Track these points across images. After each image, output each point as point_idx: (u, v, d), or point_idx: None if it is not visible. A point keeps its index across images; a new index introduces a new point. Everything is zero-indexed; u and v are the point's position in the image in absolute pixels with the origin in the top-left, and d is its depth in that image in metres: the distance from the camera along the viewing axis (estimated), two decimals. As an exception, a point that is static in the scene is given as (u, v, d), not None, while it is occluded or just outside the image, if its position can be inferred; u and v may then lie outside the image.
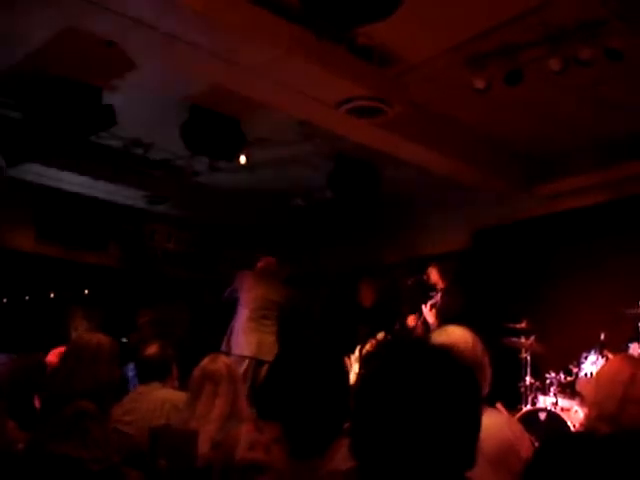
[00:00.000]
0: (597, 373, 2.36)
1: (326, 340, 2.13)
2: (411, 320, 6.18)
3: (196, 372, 3.07)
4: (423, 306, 6.04)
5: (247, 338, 6.21)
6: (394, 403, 1.20)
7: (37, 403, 3.80)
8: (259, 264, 6.65)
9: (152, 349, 3.80)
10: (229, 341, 6.33)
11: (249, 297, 6.40)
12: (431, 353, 1.30)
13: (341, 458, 1.91)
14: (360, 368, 6.57)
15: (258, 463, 1.84)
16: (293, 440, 1.85)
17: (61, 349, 4.55)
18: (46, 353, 4.55)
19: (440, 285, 6.13)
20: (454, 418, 1.21)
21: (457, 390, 1.23)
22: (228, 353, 5.93)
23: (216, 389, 2.96)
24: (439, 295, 6.03)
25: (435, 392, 1.21)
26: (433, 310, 5.95)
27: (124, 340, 6.53)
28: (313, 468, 1.86)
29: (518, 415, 4.94)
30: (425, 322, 6.05)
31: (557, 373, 5.22)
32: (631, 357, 2.32)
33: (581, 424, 4.12)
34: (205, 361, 3.10)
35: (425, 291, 6.24)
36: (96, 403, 2.46)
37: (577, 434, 2.60)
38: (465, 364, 1.30)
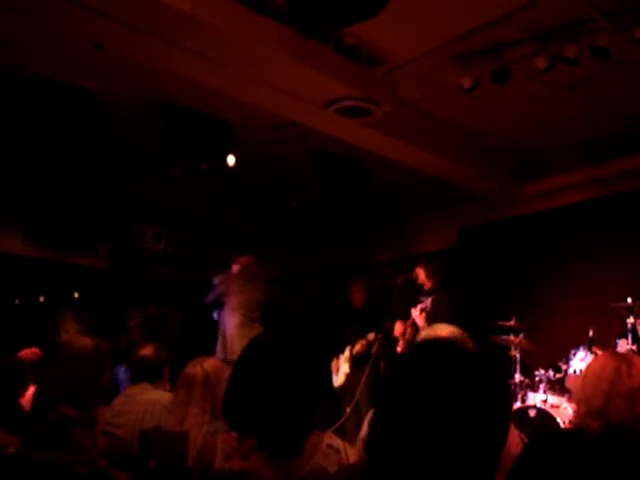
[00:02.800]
0: (584, 370, 2.38)
1: (286, 335, 2.09)
2: (398, 328, 6.16)
3: (179, 375, 3.05)
4: (412, 310, 6.04)
5: (243, 343, 6.10)
6: (421, 407, 1.11)
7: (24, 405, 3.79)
8: (237, 265, 6.56)
9: (147, 350, 3.79)
10: (224, 347, 6.24)
11: (238, 301, 6.33)
12: (463, 356, 1.19)
13: (321, 455, 1.93)
14: (350, 368, 6.57)
15: (238, 471, 1.84)
16: (270, 448, 1.86)
17: (34, 349, 4.52)
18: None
19: (428, 285, 6.14)
20: (484, 427, 1.13)
21: (489, 398, 1.14)
22: (226, 359, 5.85)
23: (189, 396, 2.91)
24: (429, 300, 6.02)
25: (466, 399, 1.11)
26: (423, 314, 5.94)
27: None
28: (294, 468, 1.87)
29: (508, 412, 4.95)
30: (413, 326, 6.05)
31: (546, 370, 5.24)
32: (616, 352, 2.34)
33: (570, 421, 4.14)
34: (188, 365, 3.07)
35: (414, 290, 6.24)
36: (80, 407, 2.45)
37: (564, 431, 2.62)
38: (498, 373, 1.20)
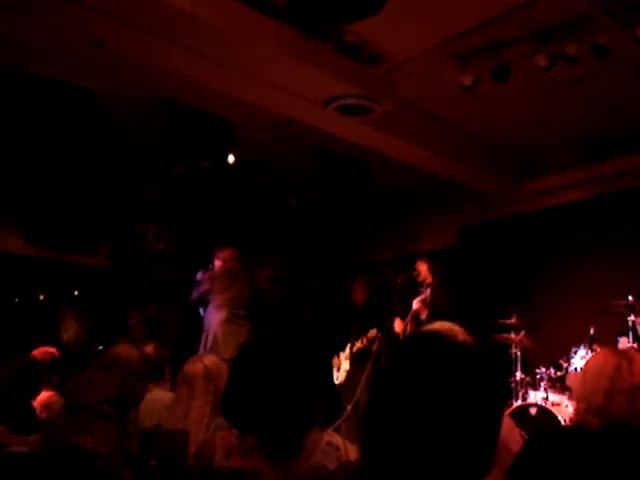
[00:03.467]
0: (584, 367, 2.37)
1: (286, 334, 2.10)
2: (398, 325, 6.17)
3: (178, 374, 3.07)
4: (414, 302, 6.05)
5: (230, 340, 5.98)
6: (414, 400, 1.10)
7: (34, 404, 3.80)
8: (219, 260, 6.46)
9: (148, 349, 3.81)
10: (207, 344, 6.15)
11: (223, 299, 6.26)
12: (455, 349, 1.18)
13: (321, 453, 1.93)
14: (350, 366, 6.57)
15: (238, 470, 1.84)
16: (269, 446, 1.86)
17: (48, 348, 4.52)
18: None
19: (429, 281, 6.16)
20: (477, 419, 1.12)
21: (482, 389, 1.13)
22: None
23: (191, 391, 2.92)
24: (428, 290, 6.05)
25: (458, 391, 1.10)
26: (423, 305, 5.96)
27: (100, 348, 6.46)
28: (294, 467, 1.87)
29: (509, 410, 4.96)
30: (414, 320, 6.05)
31: (547, 368, 5.24)
32: (616, 349, 2.32)
33: (571, 418, 4.15)
34: (186, 363, 3.09)
35: (415, 288, 6.25)
36: (116, 408, 2.49)
37: (564, 428, 2.62)
38: (492, 364, 1.18)
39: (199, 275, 6.55)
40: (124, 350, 2.87)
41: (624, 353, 2.18)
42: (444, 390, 1.10)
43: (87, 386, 2.64)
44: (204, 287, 6.39)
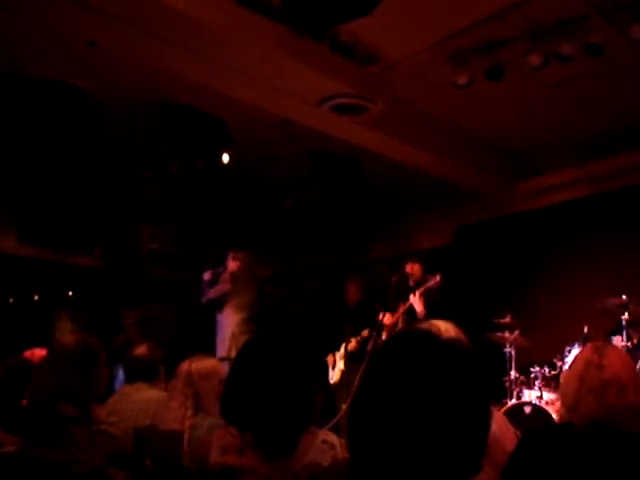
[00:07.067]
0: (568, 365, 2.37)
1: (285, 333, 2.10)
2: (387, 319, 6.13)
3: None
4: (412, 295, 6.03)
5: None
6: (399, 399, 1.09)
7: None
8: (236, 262, 6.39)
9: (141, 349, 3.79)
10: (224, 345, 6.07)
11: (244, 301, 6.22)
12: (440, 346, 1.16)
13: (316, 451, 1.93)
14: (345, 365, 6.57)
15: (232, 467, 1.84)
16: (265, 444, 1.86)
17: (39, 350, 4.49)
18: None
19: (421, 279, 6.16)
20: (464, 418, 1.10)
21: (467, 387, 1.12)
22: (229, 357, 5.61)
23: (171, 391, 2.90)
24: (430, 281, 6.04)
25: (443, 388, 1.09)
26: (422, 298, 5.95)
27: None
28: (289, 464, 1.87)
29: (503, 409, 4.97)
30: (407, 314, 6.03)
31: (541, 367, 5.26)
32: (596, 344, 2.21)
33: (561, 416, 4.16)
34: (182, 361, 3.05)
35: (410, 287, 6.24)
36: (78, 406, 2.44)
37: (556, 426, 2.62)
38: (478, 362, 1.16)
39: (207, 275, 6.46)
40: (61, 338, 2.84)
41: (598, 347, 2.12)
42: (427, 388, 1.09)
43: (38, 383, 2.62)
44: (224, 287, 6.28)
